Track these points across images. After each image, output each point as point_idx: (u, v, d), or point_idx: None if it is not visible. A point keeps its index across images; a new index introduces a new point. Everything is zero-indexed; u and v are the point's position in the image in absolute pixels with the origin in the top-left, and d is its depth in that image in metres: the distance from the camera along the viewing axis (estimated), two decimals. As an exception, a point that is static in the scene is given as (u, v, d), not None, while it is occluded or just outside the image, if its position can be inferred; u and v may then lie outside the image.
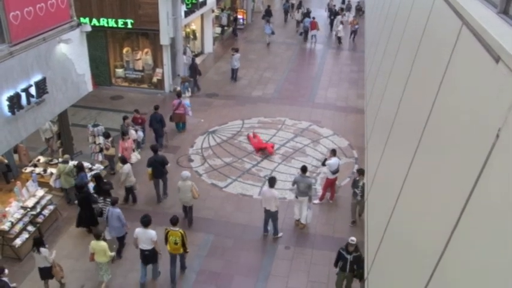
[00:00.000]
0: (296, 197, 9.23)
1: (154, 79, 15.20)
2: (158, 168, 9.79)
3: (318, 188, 10.68)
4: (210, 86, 15.76)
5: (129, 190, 9.50)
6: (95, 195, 8.86)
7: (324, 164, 10.09)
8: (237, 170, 11.21)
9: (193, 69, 14.84)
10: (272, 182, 8.70)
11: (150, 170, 9.74)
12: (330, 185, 10.11)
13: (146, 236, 7.86)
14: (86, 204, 8.64)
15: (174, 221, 7.97)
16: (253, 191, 10.54)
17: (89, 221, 8.75)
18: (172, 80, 14.54)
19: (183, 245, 7.99)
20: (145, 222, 7.82)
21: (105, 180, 9.08)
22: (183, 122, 12.78)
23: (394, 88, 6.40)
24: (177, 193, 9.19)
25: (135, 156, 10.38)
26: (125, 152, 9.96)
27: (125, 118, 10.86)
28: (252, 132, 12.37)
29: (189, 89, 13.66)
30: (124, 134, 10.34)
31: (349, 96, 15.60)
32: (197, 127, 13.21)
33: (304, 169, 9.21)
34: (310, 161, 11.73)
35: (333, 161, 9.92)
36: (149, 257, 7.97)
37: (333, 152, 10.07)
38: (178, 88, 13.37)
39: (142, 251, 7.92)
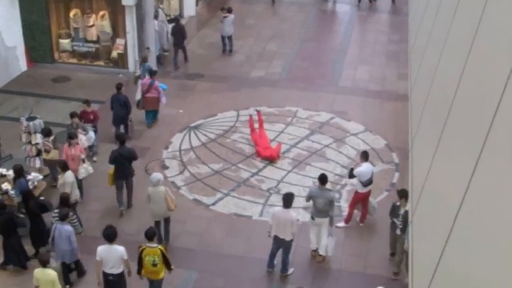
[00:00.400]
0: (312, 218, 9.31)
1: (114, 53, 15.24)
2: (124, 166, 10.02)
3: (343, 205, 10.69)
4: (192, 62, 15.90)
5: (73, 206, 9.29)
6: (22, 215, 8.88)
7: (351, 175, 10.00)
8: (229, 181, 11.30)
9: (179, 34, 15.12)
10: (289, 200, 8.79)
11: (112, 168, 9.94)
12: (360, 202, 10.12)
13: (112, 255, 8.12)
14: (10, 230, 8.64)
15: (150, 235, 8.23)
16: (253, 210, 10.54)
17: (19, 255, 8.81)
18: (139, 54, 14.63)
19: (166, 263, 8.31)
20: (110, 236, 8.05)
21: (41, 198, 9.15)
22: (156, 111, 12.94)
23: (451, 65, 6.45)
24: (147, 203, 9.43)
25: (84, 170, 10.37)
26: (71, 163, 9.99)
27: (73, 115, 10.91)
28: (257, 112, 12.49)
29: (149, 72, 13.24)
30: (71, 137, 10.25)
31: (386, 76, 15.66)
32: (174, 120, 13.23)
33: (323, 179, 9.27)
34: (333, 168, 11.76)
35: (364, 169, 9.88)
36: (115, 284, 8.22)
37: (364, 156, 10.06)
38: (138, 72, 13.47)
39: (105, 277, 8.16)
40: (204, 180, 11.32)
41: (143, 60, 13.59)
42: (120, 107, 11.85)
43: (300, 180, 11.34)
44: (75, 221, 9.19)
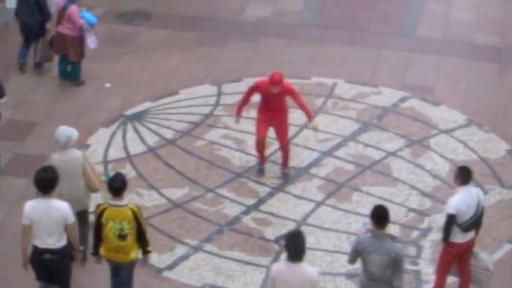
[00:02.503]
0: None
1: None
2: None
3: (425, 269, 9.93)
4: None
5: None
6: None
7: (449, 226, 9.10)
8: (202, 223, 10.65)
9: None
10: (298, 246, 7.93)
11: None
12: (457, 262, 9.40)
13: (50, 216, 8.15)
14: None
15: (117, 185, 8.27)
16: (248, 278, 9.90)
17: None
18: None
19: (141, 236, 8.44)
20: (45, 182, 8.16)
21: None
22: (75, 62, 12.77)
23: None
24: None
25: None
26: None
27: None
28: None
29: None
30: None
31: (509, 17, 14.77)
32: (94, 103, 12.86)
33: (382, 218, 8.33)
34: (404, 198, 11.06)
35: (462, 198, 9.05)
36: (55, 266, 8.37)
37: (463, 175, 9.15)
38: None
39: (38, 255, 8.33)
40: (151, 220, 10.45)
41: None
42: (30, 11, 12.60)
43: (339, 219, 10.61)
44: None
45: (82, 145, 11.58)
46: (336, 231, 10.25)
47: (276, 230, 10.31)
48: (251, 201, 10.70)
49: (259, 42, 14.17)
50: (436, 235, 10.05)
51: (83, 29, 12.43)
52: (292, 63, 13.52)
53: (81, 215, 9.48)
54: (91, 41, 12.53)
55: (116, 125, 12.22)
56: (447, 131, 12.11)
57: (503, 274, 9.54)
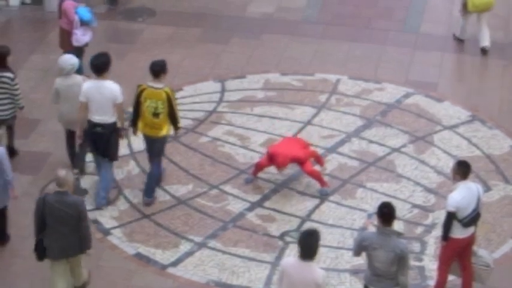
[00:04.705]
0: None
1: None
2: None
3: (429, 265, 9.98)
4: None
5: None
6: None
7: (449, 222, 9.23)
8: (206, 219, 10.70)
9: None
10: (310, 245, 8.09)
11: None
12: (458, 258, 9.51)
13: (102, 94, 9.59)
14: None
15: (156, 68, 9.63)
16: (252, 274, 9.93)
17: None
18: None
19: (172, 116, 9.72)
20: (100, 65, 9.62)
21: None
22: (76, 52, 12.58)
23: None
24: (54, 103, 10.72)
25: None
26: None
27: None
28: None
29: None
30: None
31: None
32: None
33: (387, 214, 8.48)
34: (408, 194, 11.13)
35: (462, 194, 9.15)
36: (102, 139, 9.70)
37: (462, 170, 9.27)
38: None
39: (92, 127, 9.72)
40: (156, 217, 10.57)
41: None
42: None
43: (343, 215, 10.69)
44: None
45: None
46: (340, 227, 10.28)
47: (280, 226, 10.36)
48: (255, 198, 10.73)
49: (262, 38, 14.17)
50: (440, 231, 9.71)
51: (74, 24, 12.33)
52: (296, 60, 13.55)
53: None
54: (76, 39, 12.42)
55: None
56: (451, 127, 12.12)
57: (508, 270, 9.57)
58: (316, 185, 11.12)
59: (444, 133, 12.00)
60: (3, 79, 10.59)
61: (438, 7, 15.30)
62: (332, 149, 11.61)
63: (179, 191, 10.80)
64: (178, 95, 12.67)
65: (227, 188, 10.90)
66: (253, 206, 10.62)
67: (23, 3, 15.23)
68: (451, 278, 9.32)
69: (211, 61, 13.43)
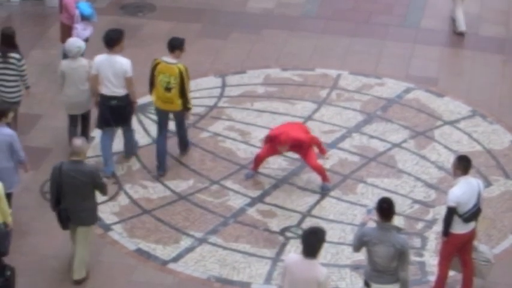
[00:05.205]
0: (366, 284, 8.66)
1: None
2: None
3: (430, 261, 9.98)
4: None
5: None
6: None
7: (449, 218, 9.23)
8: (207, 215, 10.68)
9: None
10: (315, 242, 8.12)
11: None
12: (459, 253, 9.50)
13: (113, 67, 9.98)
14: None
15: (175, 42, 10.09)
16: (253, 270, 9.91)
17: None
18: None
19: (182, 93, 10.03)
20: (111, 40, 10.02)
21: None
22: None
23: None
24: (60, 88, 10.85)
25: None
26: None
27: None
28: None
29: None
30: None
31: None
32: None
33: (387, 209, 8.45)
34: (409, 189, 11.16)
35: (462, 189, 9.16)
36: (119, 111, 10.09)
37: (463, 164, 9.28)
38: None
39: (107, 100, 10.07)
40: (156, 212, 10.56)
41: None
42: None
43: (343, 211, 10.70)
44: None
45: (86, 136, 11.47)
46: (340, 222, 10.27)
47: (281, 222, 10.33)
48: (256, 193, 10.69)
49: (262, 34, 14.12)
50: (441, 227, 9.71)
51: (75, 18, 12.31)
52: (296, 55, 13.55)
53: (84, 116, 10.79)
54: (76, 33, 12.31)
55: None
56: (451, 122, 12.10)
57: (508, 265, 9.55)
58: (317, 180, 11.07)
59: (445, 128, 11.97)
60: (11, 59, 10.71)
61: (438, 2, 15.25)
62: (333, 144, 11.60)
63: (180, 187, 10.76)
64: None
65: (228, 183, 10.86)
66: (253, 202, 10.61)
67: (23, -1, 15.46)
68: (451, 273, 9.35)
69: (212, 56, 13.40)
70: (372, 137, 11.78)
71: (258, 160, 11.29)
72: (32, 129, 11.67)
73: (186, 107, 10.29)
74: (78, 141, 9.27)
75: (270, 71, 13.05)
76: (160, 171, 10.58)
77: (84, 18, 12.40)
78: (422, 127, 11.99)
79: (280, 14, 14.78)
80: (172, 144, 11.70)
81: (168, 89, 9.99)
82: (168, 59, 10.06)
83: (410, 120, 12.12)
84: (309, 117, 12.04)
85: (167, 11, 14.69)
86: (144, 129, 11.94)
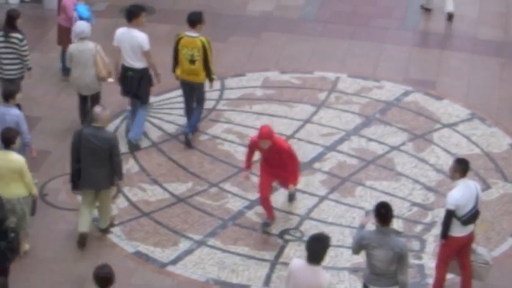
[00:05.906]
0: (365, 287, 8.85)
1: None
2: None
3: (428, 263, 9.97)
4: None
5: None
6: None
7: (447, 224, 9.23)
8: (205, 217, 10.70)
9: None
10: (316, 250, 8.17)
11: None
12: (457, 256, 9.48)
13: (130, 41, 10.60)
14: None
15: (194, 17, 10.60)
16: (252, 273, 9.90)
17: None
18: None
19: (206, 66, 10.61)
20: (130, 12, 10.68)
21: None
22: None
23: None
24: (68, 66, 11.36)
25: None
26: None
27: None
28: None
29: None
30: None
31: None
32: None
33: (385, 214, 8.43)
34: (408, 192, 11.17)
35: (461, 191, 9.16)
36: (132, 82, 10.64)
37: (461, 167, 9.29)
38: None
39: (125, 71, 10.72)
40: (155, 215, 10.54)
41: None
42: None
43: (342, 213, 10.70)
44: None
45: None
46: (339, 225, 10.23)
47: (280, 225, 10.29)
48: (254, 196, 10.59)
49: (262, 37, 14.10)
50: (439, 229, 9.70)
51: (73, 20, 12.22)
52: (295, 58, 13.52)
53: (94, 97, 11.04)
54: (79, 30, 12.14)
55: (119, 119, 12.15)
56: (450, 125, 12.08)
57: (507, 268, 9.52)
58: (315, 182, 10.96)
59: (443, 131, 11.96)
60: (12, 39, 10.91)
61: (437, 5, 15.10)
62: (331, 147, 11.55)
63: (178, 189, 10.73)
64: (177, 93, 12.64)
65: (226, 185, 10.83)
66: (252, 204, 10.53)
67: (22, 1, 15.14)
68: (450, 276, 9.31)
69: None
70: (370, 139, 11.78)
71: (265, 202, 10.22)
72: (31, 131, 11.55)
73: (210, 77, 10.75)
74: (98, 109, 9.58)
75: (269, 74, 13.05)
76: (189, 131, 10.94)
77: (82, 20, 12.24)
78: (421, 130, 11.97)
79: (280, 17, 14.79)
80: (171, 146, 11.62)
81: (192, 61, 10.45)
82: (191, 33, 10.51)
83: (408, 123, 12.10)
84: (308, 120, 12.03)
85: (166, 13, 14.68)
86: (143, 131, 11.90)
